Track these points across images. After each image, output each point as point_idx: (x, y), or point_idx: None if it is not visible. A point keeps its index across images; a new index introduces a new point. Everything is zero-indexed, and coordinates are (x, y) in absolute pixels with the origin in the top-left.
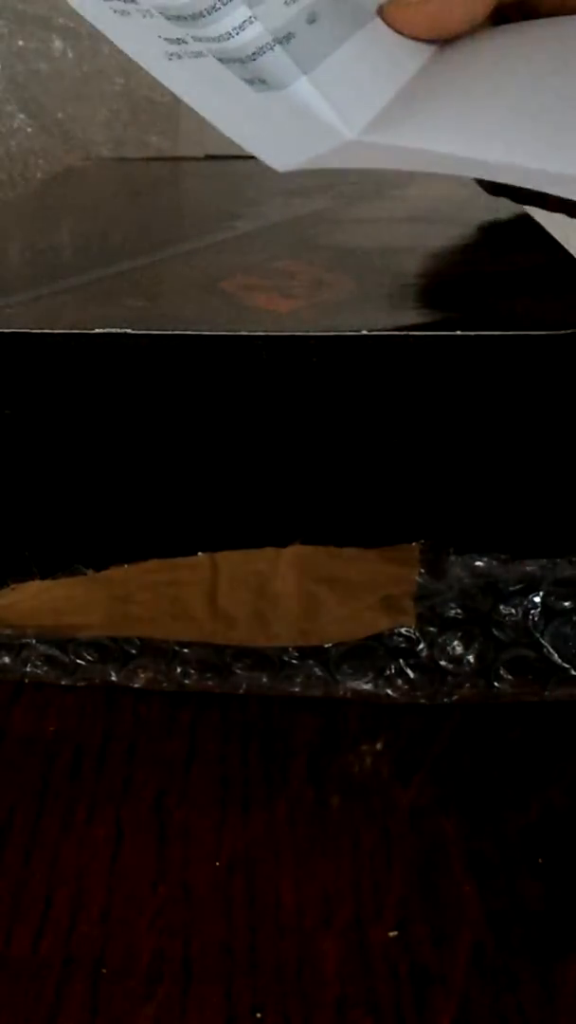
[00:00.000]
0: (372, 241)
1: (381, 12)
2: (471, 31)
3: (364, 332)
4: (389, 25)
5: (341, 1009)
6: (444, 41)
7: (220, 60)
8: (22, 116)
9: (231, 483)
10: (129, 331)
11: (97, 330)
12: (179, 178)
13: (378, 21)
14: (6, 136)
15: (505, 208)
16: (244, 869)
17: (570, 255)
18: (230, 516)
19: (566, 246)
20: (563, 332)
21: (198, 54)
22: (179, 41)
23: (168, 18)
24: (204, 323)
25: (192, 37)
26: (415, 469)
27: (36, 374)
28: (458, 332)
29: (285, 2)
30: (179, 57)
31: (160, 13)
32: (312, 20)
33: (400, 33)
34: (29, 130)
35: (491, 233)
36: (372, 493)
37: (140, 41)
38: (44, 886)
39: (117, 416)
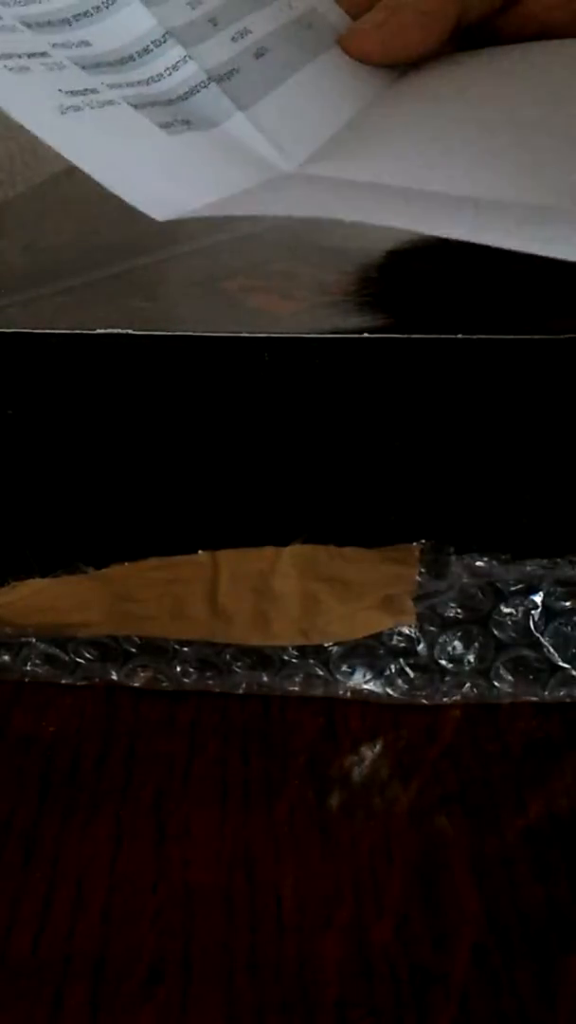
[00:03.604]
0: (373, 244)
1: (340, 40)
2: (430, 56)
3: (365, 334)
4: (346, 51)
5: (341, 1009)
6: (405, 68)
7: (134, 106)
8: None
9: (232, 482)
10: (130, 331)
11: (98, 330)
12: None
13: (336, 50)
14: (6, 136)
15: None
16: (244, 869)
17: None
18: (231, 515)
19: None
20: (564, 336)
21: (106, 103)
22: (85, 91)
23: (85, 67)
24: (205, 324)
25: (106, 84)
26: (416, 470)
27: (36, 374)
28: (459, 335)
29: (232, 38)
30: (77, 109)
31: (75, 63)
32: (260, 54)
33: (358, 60)
34: (29, 130)
35: None
36: (373, 493)
37: (30, 98)
38: (44, 886)
39: (118, 416)
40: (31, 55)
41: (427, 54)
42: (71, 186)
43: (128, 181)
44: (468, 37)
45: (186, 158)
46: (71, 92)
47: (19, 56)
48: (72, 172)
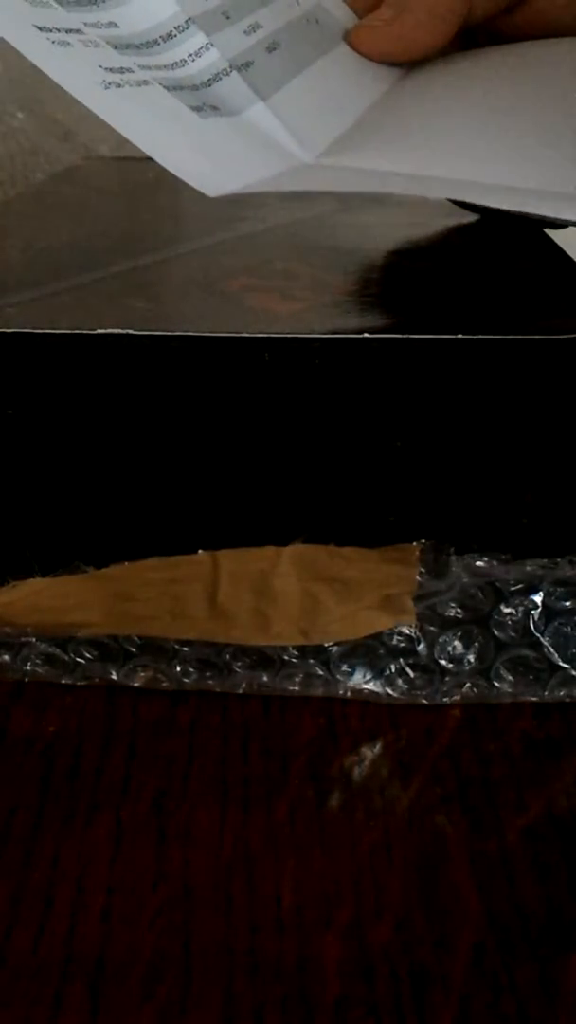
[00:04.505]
0: (373, 244)
1: (348, 37)
2: (436, 54)
3: (365, 334)
4: (355, 49)
5: (341, 1009)
6: (410, 65)
7: (166, 88)
8: (22, 116)
9: (232, 482)
10: (130, 332)
11: (98, 330)
12: (179, 178)
13: (343, 47)
14: (6, 136)
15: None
16: (244, 869)
17: (570, 258)
18: (231, 515)
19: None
20: (563, 336)
21: (142, 82)
22: (122, 70)
23: (116, 47)
24: (205, 324)
25: (139, 65)
26: (416, 470)
27: (36, 374)
28: (459, 336)
29: (245, 31)
30: (118, 86)
31: (108, 43)
32: (272, 48)
33: (366, 57)
34: (29, 130)
35: (492, 236)
36: (373, 493)
37: (76, 71)
38: (44, 886)
39: (118, 416)
40: (69, 31)
41: (434, 53)
42: (71, 186)
43: (175, 156)
44: (473, 37)
45: (219, 141)
46: (108, 69)
47: (59, 31)
48: (72, 172)
